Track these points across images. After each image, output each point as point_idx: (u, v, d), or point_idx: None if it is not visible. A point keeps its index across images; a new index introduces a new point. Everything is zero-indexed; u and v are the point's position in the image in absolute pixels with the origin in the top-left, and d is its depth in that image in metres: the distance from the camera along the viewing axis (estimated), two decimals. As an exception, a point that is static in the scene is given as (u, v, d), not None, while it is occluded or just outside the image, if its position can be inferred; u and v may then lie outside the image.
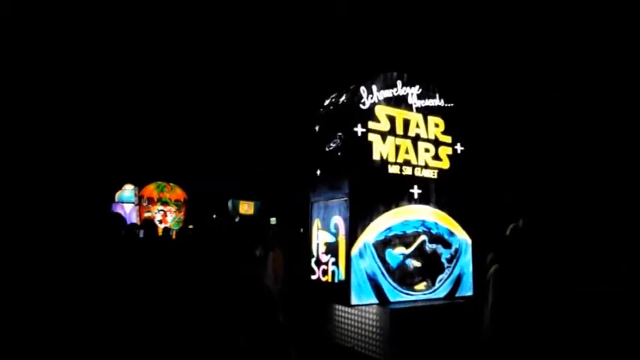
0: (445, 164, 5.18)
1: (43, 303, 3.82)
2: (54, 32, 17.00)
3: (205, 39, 16.63)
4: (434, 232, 5.00)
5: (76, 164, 17.18)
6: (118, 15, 16.71)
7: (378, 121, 4.81)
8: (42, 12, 16.62)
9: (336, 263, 4.69)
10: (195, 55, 17.18)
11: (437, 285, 4.97)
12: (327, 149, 4.93)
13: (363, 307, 4.63)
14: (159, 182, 12.97)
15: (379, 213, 4.70)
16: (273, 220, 13.38)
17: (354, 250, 4.52)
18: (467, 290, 5.18)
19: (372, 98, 4.80)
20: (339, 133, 4.78)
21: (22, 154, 16.89)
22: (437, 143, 5.16)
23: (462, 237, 5.19)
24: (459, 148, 5.30)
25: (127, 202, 13.55)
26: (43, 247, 4.62)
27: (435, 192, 5.06)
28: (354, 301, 4.49)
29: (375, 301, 4.58)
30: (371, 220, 4.65)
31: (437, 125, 5.19)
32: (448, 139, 5.24)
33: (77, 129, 17.53)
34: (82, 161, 17.50)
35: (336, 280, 4.68)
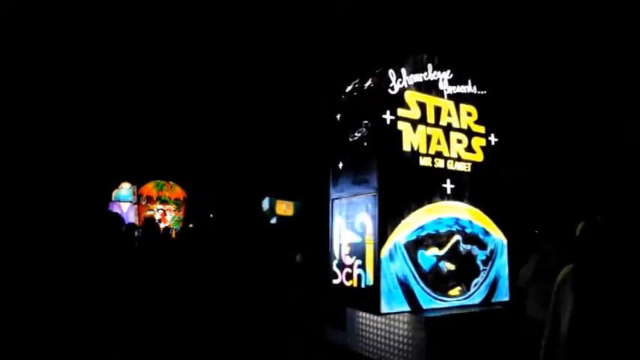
0: (479, 157, 4.52)
1: (43, 303, 3.70)
2: (54, 32, 16.22)
3: (204, 37, 15.91)
4: (468, 231, 4.34)
5: (74, 163, 16.39)
6: (117, 14, 15.96)
7: (407, 107, 4.14)
8: (42, 12, 15.84)
9: (362, 266, 4.01)
10: (196, 54, 16.46)
11: (472, 290, 4.31)
12: (350, 139, 4.25)
13: (394, 316, 3.94)
14: (158, 180, 12.17)
15: (410, 210, 4.04)
16: (273, 221, 12.52)
17: (384, 252, 3.85)
18: (503, 295, 4.52)
19: (401, 83, 4.14)
20: (365, 121, 4.11)
21: (22, 154, 16.21)
22: (469, 133, 4.51)
23: (497, 237, 4.53)
24: (492, 139, 4.65)
25: (123, 200, 12.74)
26: (43, 247, 4.45)
27: (469, 187, 4.38)
28: (384, 308, 3.81)
29: (406, 308, 3.91)
30: (402, 217, 3.98)
31: (469, 114, 4.53)
32: (481, 129, 4.58)
33: (76, 128, 16.74)
34: (80, 160, 16.71)
35: (362, 285, 4.00)
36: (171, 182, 12.39)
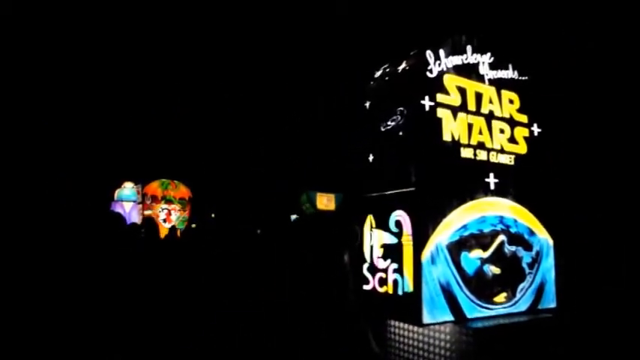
0: (522, 149, 3.98)
1: (43, 303, 3.64)
2: (54, 32, 15.59)
3: (204, 36, 15.31)
4: (513, 230, 3.79)
5: (75, 162, 15.76)
6: (119, 14, 15.34)
7: (447, 93, 3.60)
8: (42, 12, 15.21)
9: (399, 270, 3.45)
10: (198, 53, 15.86)
11: (517, 296, 3.77)
12: (382, 129, 3.69)
13: (434, 326, 3.38)
14: (163, 180, 11.54)
15: (452, 207, 3.49)
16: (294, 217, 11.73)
17: (425, 254, 3.29)
18: (550, 302, 3.98)
19: (439, 65, 3.59)
20: (401, 108, 3.55)
21: (22, 154, 15.62)
22: (512, 123, 3.97)
23: (543, 237, 3.99)
24: (535, 129, 4.10)
25: (126, 200, 12.11)
26: (43, 247, 4.30)
27: (513, 182, 3.83)
28: (426, 319, 3.25)
29: (450, 318, 3.36)
30: (443, 215, 3.43)
31: (511, 101, 3.99)
32: (524, 118, 4.05)
33: (76, 126, 16.10)
34: (81, 159, 16.09)
35: (399, 292, 3.44)
36: (176, 181, 11.76)
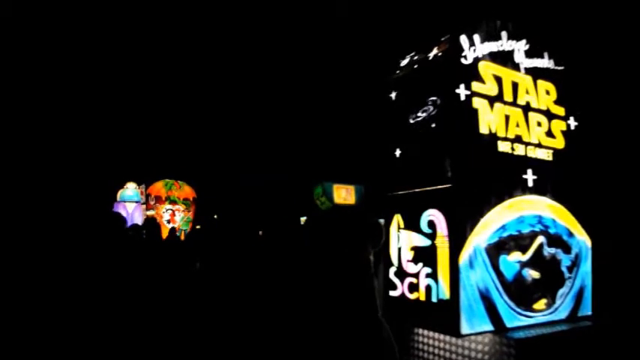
0: (560, 143, 3.61)
1: (43, 303, 3.61)
2: (54, 32, 15.21)
3: (206, 36, 14.92)
4: (552, 231, 3.42)
5: (76, 162, 15.34)
6: (124, 15, 14.96)
7: (483, 81, 3.23)
8: (42, 12, 14.83)
9: (432, 275, 3.06)
10: (201, 53, 15.48)
11: (557, 302, 3.39)
12: (411, 121, 3.30)
13: (472, 337, 2.99)
14: (167, 180, 11.09)
15: (490, 206, 3.11)
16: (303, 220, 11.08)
17: (463, 257, 2.92)
18: (587, 308, 3.60)
19: (474, 52, 3.22)
20: (433, 98, 3.17)
21: (24, 154, 15.26)
22: (549, 115, 3.58)
23: (581, 238, 3.62)
24: (572, 123, 3.72)
25: (129, 201, 11.68)
26: (43, 247, 4.25)
27: (552, 179, 3.45)
28: (464, 329, 2.87)
29: (489, 327, 2.99)
30: (480, 215, 3.06)
31: (548, 92, 3.62)
32: (561, 111, 3.67)
33: (79, 127, 15.69)
34: (83, 159, 15.68)
35: (433, 299, 3.05)
36: (180, 182, 11.31)
